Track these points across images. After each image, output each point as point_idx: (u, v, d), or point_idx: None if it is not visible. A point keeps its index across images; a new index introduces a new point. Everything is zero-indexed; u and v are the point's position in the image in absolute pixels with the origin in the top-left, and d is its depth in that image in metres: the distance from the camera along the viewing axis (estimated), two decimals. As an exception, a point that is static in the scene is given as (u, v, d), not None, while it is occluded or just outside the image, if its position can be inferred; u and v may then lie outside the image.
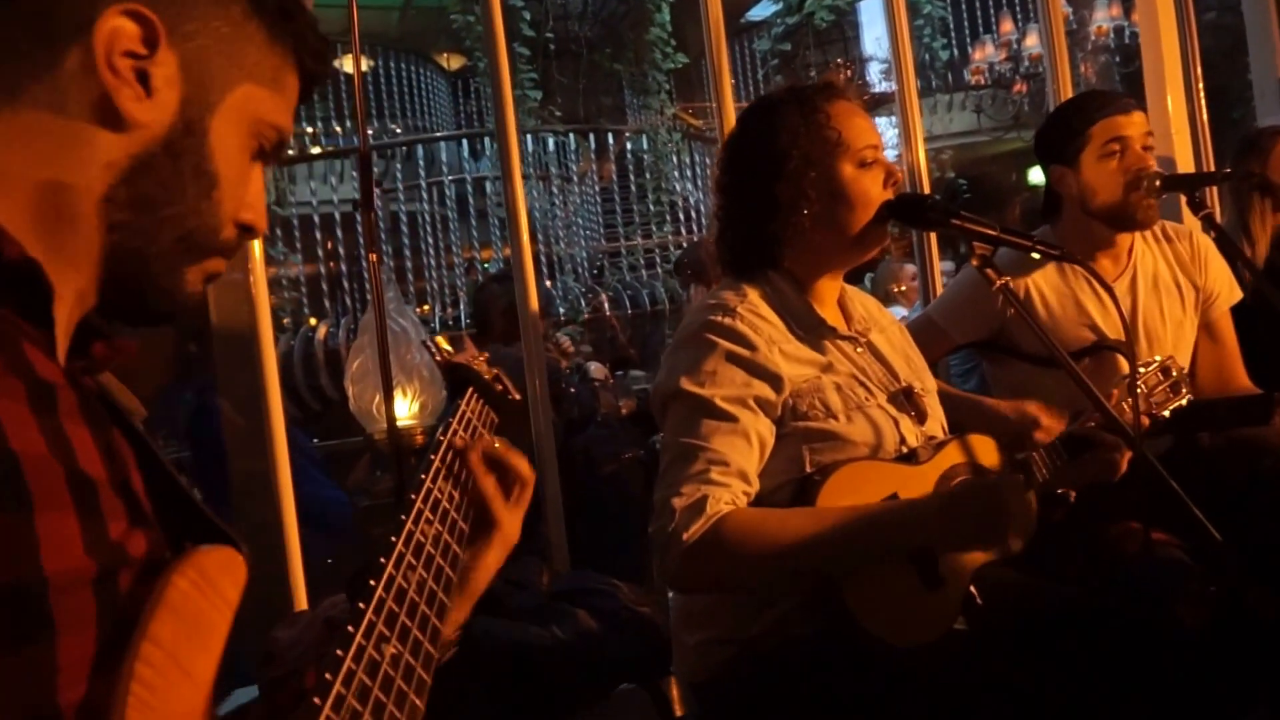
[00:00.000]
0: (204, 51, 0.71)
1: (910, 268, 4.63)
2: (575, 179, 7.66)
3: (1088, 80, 7.58)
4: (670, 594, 1.58)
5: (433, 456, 0.90)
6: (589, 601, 1.87)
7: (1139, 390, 1.67)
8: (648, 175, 7.86)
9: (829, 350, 1.50)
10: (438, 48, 10.06)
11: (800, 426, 1.43)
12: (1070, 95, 2.90)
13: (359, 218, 2.18)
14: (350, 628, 0.67)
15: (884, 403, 1.49)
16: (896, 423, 1.48)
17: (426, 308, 7.03)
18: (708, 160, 7.57)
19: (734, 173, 1.55)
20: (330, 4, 3.07)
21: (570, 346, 3.94)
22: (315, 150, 8.00)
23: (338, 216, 6.66)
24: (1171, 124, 2.96)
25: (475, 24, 7.05)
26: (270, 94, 0.76)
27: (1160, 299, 2.07)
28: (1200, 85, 3.20)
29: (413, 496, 0.84)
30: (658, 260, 7.67)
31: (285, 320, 6.30)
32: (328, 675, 0.62)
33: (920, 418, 1.53)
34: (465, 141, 7.92)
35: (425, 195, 7.41)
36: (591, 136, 7.79)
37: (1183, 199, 2.10)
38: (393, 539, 0.78)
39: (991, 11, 8.91)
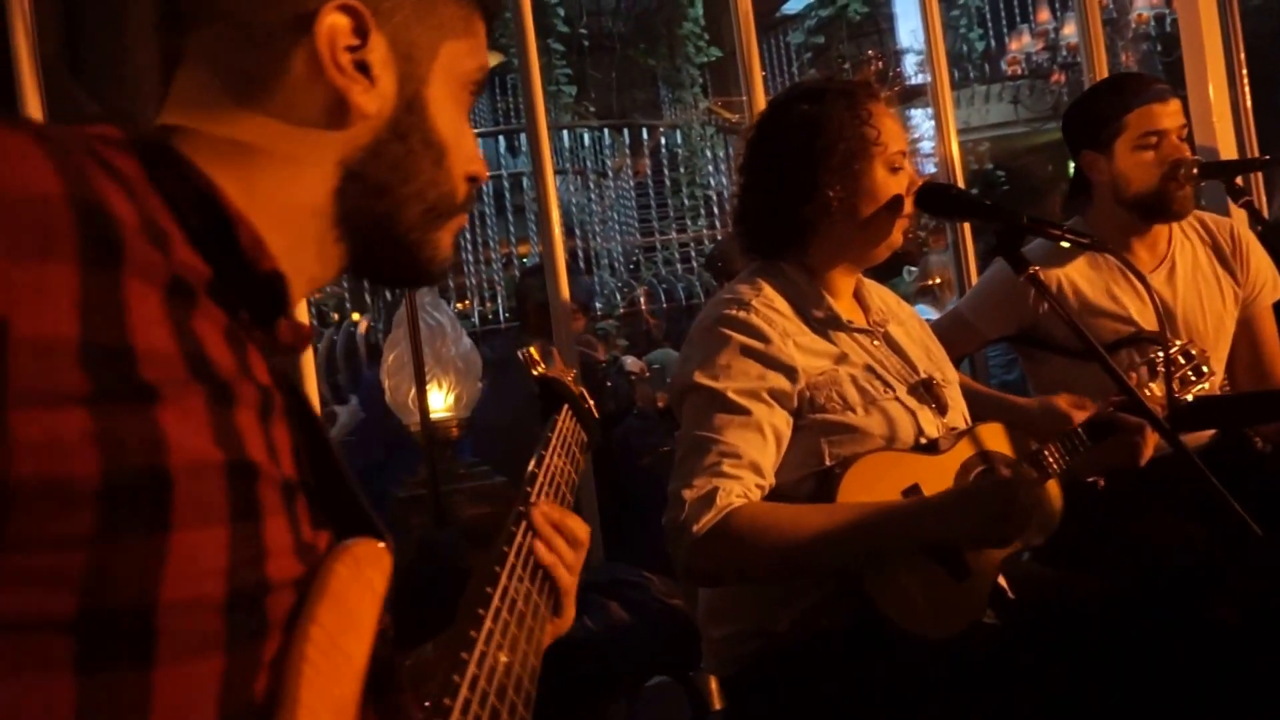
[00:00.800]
0: (405, 25, 0.71)
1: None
2: (610, 174, 7.68)
3: (1128, 69, 7.44)
4: (698, 590, 1.59)
5: (535, 470, 0.92)
6: (621, 593, 1.88)
7: (1160, 374, 1.65)
8: (682, 170, 7.86)
9: (844, 343, 1.50)
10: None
11: (818, 419, 1.43)
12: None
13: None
14: (472, 632, 0.70)
15: (903, 395, 1.49)
16: (916, 415, 1.48)
17: (466, 303, 7.08)
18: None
19: (769, 154, 1.55)
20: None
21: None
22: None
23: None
24: (1214, 111, 2.91)
25: (510, 21, 7.08)
26: (466, 40, 0.75)
27: (1200, 291, 2.03)
28: (1244, 71, 3.13)
29: (521, 509, 0.86)
30: (693, 254, 7.67)
31: (332, 315, 6.37)
32: (455, 678, 0.66)
33: (941, 409, 1.53)
34: (502, 137, 7.96)
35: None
36: (626, 131, 7.79)
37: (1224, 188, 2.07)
38: (505, 549, 0.81)
39: (1028, 1, 8.79)
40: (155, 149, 0.62)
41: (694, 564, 1.35)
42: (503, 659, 0.71)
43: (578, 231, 7.27)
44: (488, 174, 0.79)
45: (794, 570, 1.37)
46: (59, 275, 0.49)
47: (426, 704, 0.66)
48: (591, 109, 7.85)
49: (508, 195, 7.39)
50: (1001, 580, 1.50)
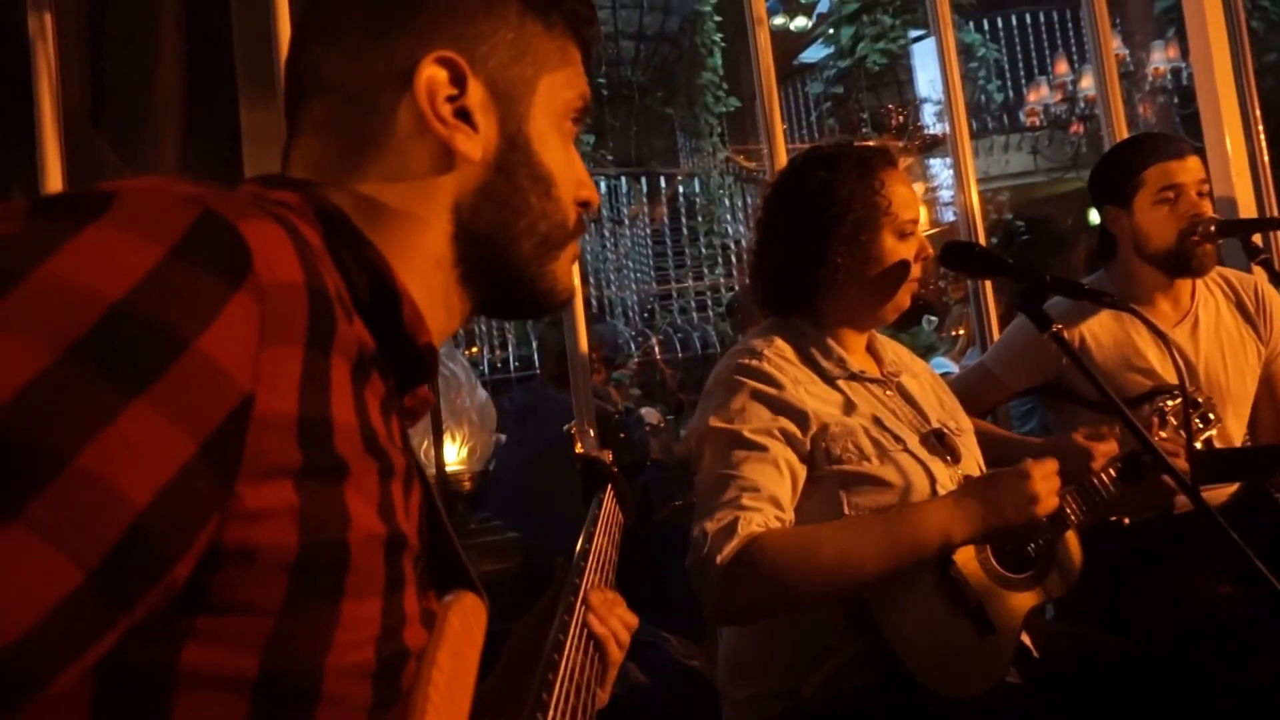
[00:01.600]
0: (501, 67, 0.72)
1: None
2: (627, 221, 7.72)
3: (1146, 121, 7.48)
4: (719, 649, 1.57)
5: (586, 547, 0.95)
6: (639, 654, 1.86)
7: (1170, 423, 1.65)
8: (699, 218, 7.91)
9: (856, 393, 1.52)
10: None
11: (835, 470, 1.44)
12: (1126, 136, 2.86)
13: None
14: (545, 695, 0.74)
15: (916, 445, 1.50)
16: (928, 466, 1.48)
17: (475, 349, 7.11)
18: (759, 202, 7.57)
19: (784, 217, 1.59)
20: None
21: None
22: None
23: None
24: (1231, 166, 2.91)
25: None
26: (563, 71, 0.76)
27: (1223, 346, 2.02)
28: (1260, 127, 3.13)
29: (578, 582, 0.89)
30: (709, 303, 7.68)
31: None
32: None
33: (955, 458, 1.53)
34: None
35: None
36: (644, 179, 7.86)
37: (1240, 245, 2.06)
38: (566, 618, 0.84)
39: (1046, 53, 8.86)
40: (335, 220, 0.65)
41: (723, 596, 1.34)
42: None
43: (593, 279, 7.30)
44: (598, 198, 0.81)
45: (822, 588, 1.36)
46: (291, 358, 0.53)
47: None
48: (610, 157, 7.92)
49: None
50: (1026, 638, 1.48)
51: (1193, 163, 1.97)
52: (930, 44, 3.01)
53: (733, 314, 4.84)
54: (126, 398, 0.46)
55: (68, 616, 0.44)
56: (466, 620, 0.65)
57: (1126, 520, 1.62)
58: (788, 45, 9.12)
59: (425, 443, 2.34)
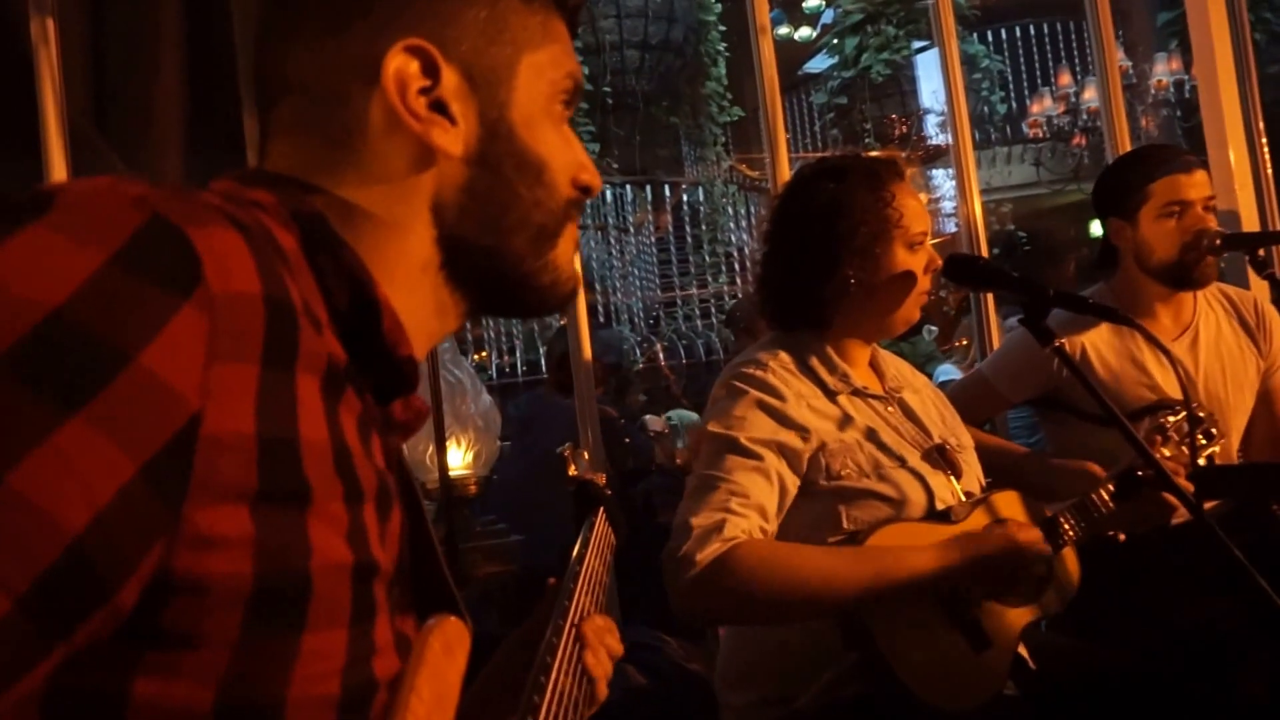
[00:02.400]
0: (476, 50, 0.67)
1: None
2: (632, 229, 7.74)
3: (1148, 134, 7.49)
4: (717, 654, 1.58)
5: (577, 569, 0.95)
6: (637, 656, 1.86)
7: (1172, 439, 1.65)
8: (703, 226, 7.92)
9: (858, 409, 1.52)
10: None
11: (835, 486, 1.44)
12: (1128, 149, 2.87)
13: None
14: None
15: (917, 461, 1.50)
16: (929, 481, 1.48)
17: (484, 354, 7.12)
18: (763, 211, 7.61)
19: (793, 229, 1.58)
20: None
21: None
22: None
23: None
24: (1235, 179, 2.91)
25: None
26: (546, 49, 0.70)
27: (1223, 360, 2.02)
28: (1264, 139, 3.14)
29: (568, 604, 0.89)
30: (712, 310, 7.69)
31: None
32: None
33: (956, 474, 1.54)
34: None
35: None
36: (648, 188, 7.88)
37: (1246, 260, 2.06)
38: (554, 640, 0.83)
39: (1050, 64, 8.88)
40: (314, 224, 0.61)
41: (693, 596, 1.34)
42: None
43: (598, 286, 7.32)
44: (600, 181, 0.75)
45: (794, 609, 1.36)
46: (245, 375, 0.50)
47: None
48: (614, 165, 7.94)
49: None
50: (1023, 651, 1.49)
51: (1200, 177, 1.98)
52: (934, 55, 3.03)
53: (732, 322, 4.85)
54: (60, 415, 0.43)
55: None
56: (449, 645, 0.62)
57: (1122, 536, 1.62)
58: (792, 55, 9.14)
59: (428, 447, 2.35)
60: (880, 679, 1.34)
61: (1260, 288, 2.15)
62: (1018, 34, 9.26)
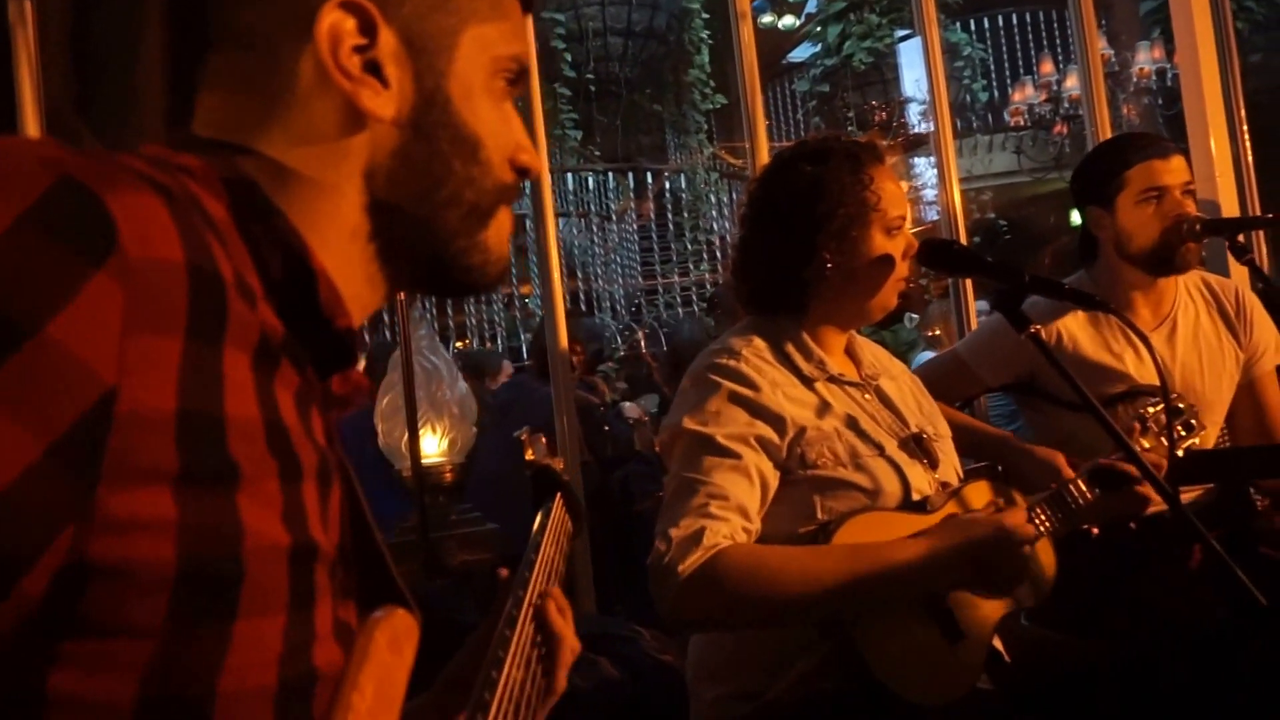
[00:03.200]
0: (418, 16, 0.65)
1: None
2: (614, 217, 7.72)
3: (1130, 122, 7.51)
4: (688, 647, 1.56)
5: (533, 558, 0.92)
6: (611, 648, 1.84)
7: (1151, 429, 1.64)
8: (685, 214, 7.91)
9: (835, 396, 1.50)
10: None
11: (810, 475, 1.41)
12: (1110, 136, 2.86)
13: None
14: (480, 716, 0.71)
15: (894, 450, 1.48)
16: (905, 470, 1.46)
17: (466, 341, 7.09)
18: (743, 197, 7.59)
19: (771, 213, 1.55)
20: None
21: (605, 388, 3.96)
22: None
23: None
24: (1215, 166, 2.91)
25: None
26: (494, 25, 0.68)
27: (1200, 352, 2.01)
28: (1244, 127, 3.14)
29: (521, 593, 0.86)
30: (694, 298, 7.69)
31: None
32: None
33: (932, 463, 1.51)
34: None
35: (465, 232, 7.49)
36: (630, 175, 7.85)
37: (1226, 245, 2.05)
38: (507, 633, 0.81)
39: (1032, 53, 8.88)
40: (244, 191, 0.59)
41: (680, 606, 1.32)
42: None
43: (580, 273, 7.29)
44: (540, 164, 0.74)
45: (781, 613, 1.34)
46: (166, 348, 0.47)
47: None
48: (597, 153, 7.91)
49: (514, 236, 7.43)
50: (997, 643, 1.47)
51: (1177, 163, 1.97)
52: (916, 43, 3.01)
53: (714, 309, 4.84)
54: None
55: None
56: (396, 639, 0.60)
57: (1095, 530, 1.61)
58: (776, 44, 9.11)
59: (404, 435, 2.33)
60: (853, 673, 1.32)
61: (1240, 274, 2.14)
62: (1000, 22, 9.25)
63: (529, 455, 1.14)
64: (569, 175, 7.40)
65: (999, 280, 1.47)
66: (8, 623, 0.44)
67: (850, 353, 1.60)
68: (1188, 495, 1.96)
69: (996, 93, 8.86)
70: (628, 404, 4.08)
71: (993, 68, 8.98)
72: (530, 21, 0.73)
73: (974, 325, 2.74)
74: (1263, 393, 2.07)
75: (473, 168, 0.67)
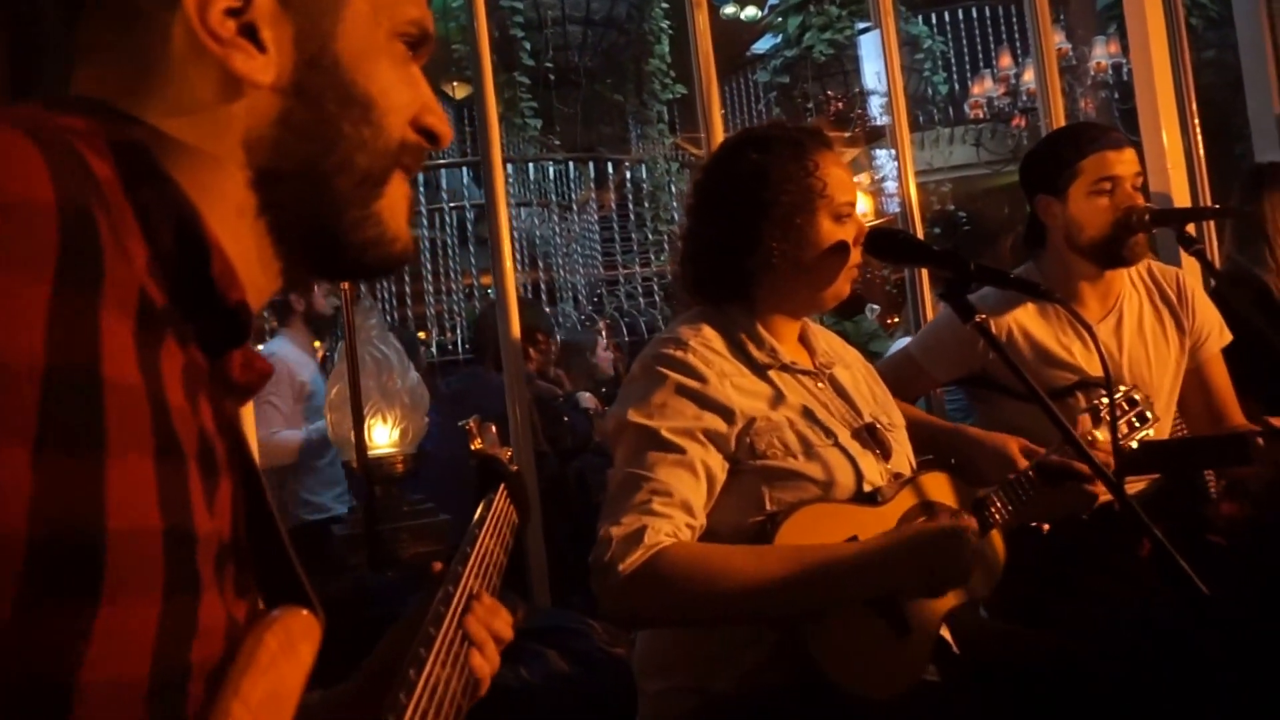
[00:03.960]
0: None
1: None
2: (575, 207, 7.68)
3: (1086, 115, 7.56)
4: (636, 640, 1.54)
5: (468, 551, 0.90)
6: (561, 641, 1.82)
7: (1105, 421, 1.65)
8: (646, 204, 7.88)
9: (787, 385, 1.48)
10: (446, 77, 10.12)
11: (759, 465, 1.40)
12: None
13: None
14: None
15: (847, 439, 1.46)
16: (858, 460, 1.45)
17: (425, 333, 7.02)
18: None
19: (715, 202, 1.54)
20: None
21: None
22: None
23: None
24: (1167, 159, 2.94)
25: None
26: None
27: (1147, 342, 2.03)
28: (1196, 121, 3.18)
29: (450, 589, 0.84)
30: (655, 288, 7.67)
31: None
32: None
33: (885, 454, 1.50)
34: (469, 168, 7.94)
35: (426, 221, 7.42)
36: (592, 165, 7.81)
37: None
38: (432, 631, 0.78)
39: (991, 46, 8.95)
40: (134, 154, 0.55)
41: (619, 604, 1.31)
42: None
43: (542, 263, 7.24)
44: (448, 129, 0.69)
45: (721, 616, 1.33)
46: (31, 293, 0.43)
47: None
48: (557, 142, 7.86)
49: (470, 226, 7.37)
50: (945, 634, 1.47)
51: (1129, 154, 1.98)
52: (876, 35, 3.01)
53: (672, 298, 4.82)
54: None
55: None
56: (291, 641, 0.56)
57: (1046, 527, 1.62)
58: (739, 36, 9.10)
59: (347, 425, 2.29)
60: (799, 666, 1.31)
61: (1190, 264, 2.16)
62: (960, 16, 9.31)
63: (475, 444, 1.11)
64: (530, 165, 7.33)
65: (945, 269, 1.46)
66: None
67: (804, 341, 1.59)
68: (1137, 485, 1.98)
69: (957, 86, 8.91)
70: (585, 394, 4.05)
71: (953, 61, 9.03)
72: None
73: (929, 316, 2.75)
74: (1210, 377, 2.09)
75: (364, 129, 0.63)
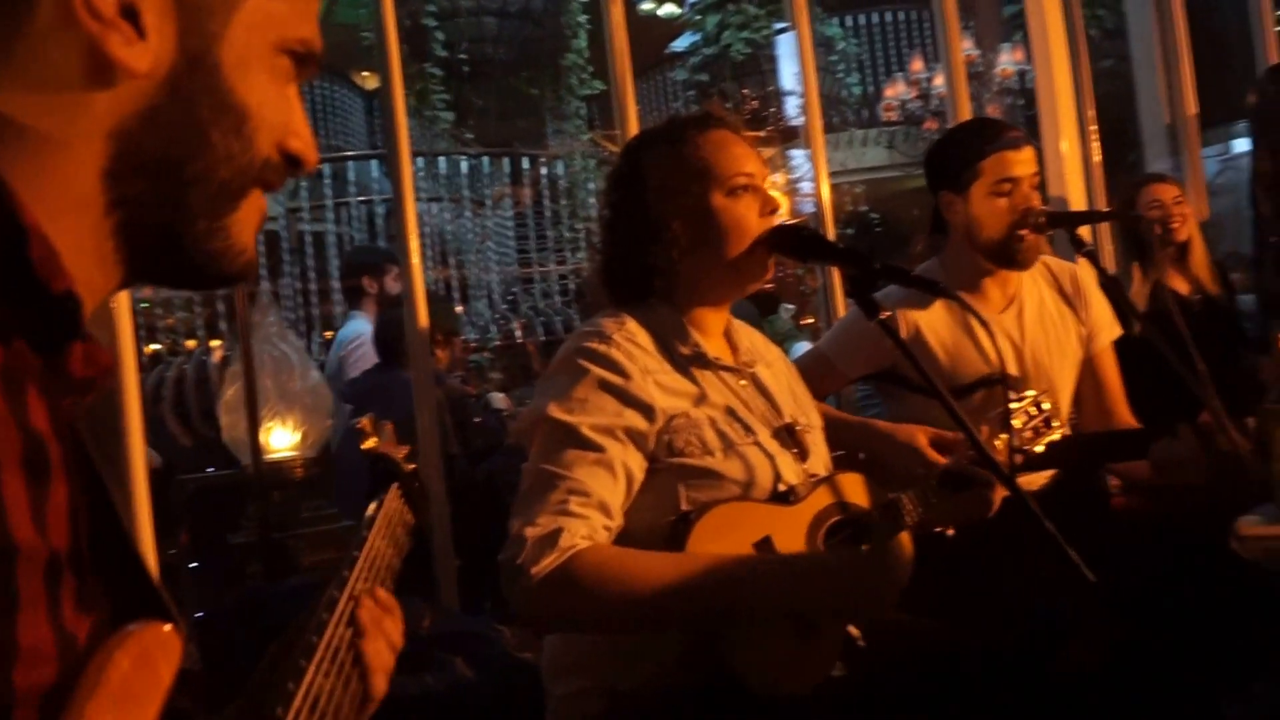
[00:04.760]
0: None
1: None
2: (489, 203, 7.58)
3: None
4: (543, 644, 1.51)
5: (356, 554, 0.86)
6: (468, 647, 1.77)
7: (1013, 424, 1.67)
8: (563, 201, 7.83)
9: (708, 382, 1.46)
10: (355, 67, 9.91)
11: (676, 463, 1.38)
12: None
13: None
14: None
15: (766, 439, 1.46)
16: (776, 460, 1.44)
17: (330, 334, 6.86)
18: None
19: (610, 205, 1.54)
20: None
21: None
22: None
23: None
24: (1065, 165, 3.02)
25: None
26: (285, 2, 0.63)
27: (1047, 331, 2.07)
28: (1093, 128, 3.28)
29: (336, 594, 0.80)
30: (571, 287, 7.63)
31: (187, 342, 6.07)
32: None
33: (802, 454, 1.50)
34: (378, 161, 7.78)
35: (332, 215, 7.25)
36: (507, 160, 7.73)
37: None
38: (315, 639, 0.75)
39: (904, 51, 9.13)
40: None
41: (531, 608, 1.28)
42: None
43: (454, 261, 7.14)
44: (315, 156, 0.67)
45: (636, 623, 1.31)
46: None
47: None
48: (470, 136, 7.75)
49: (379, 221, 7.22)
50: (852, 629, 1.47)
51: (1028, 154, 2.01)
52: (794, 36, 3.03)
53: (580, 299, 4.79)
54: None
55: None
56: (146, 657, 0.53)
57: (951, 531, 1.64)
58: (659, 34, 9.12)
59: (243, 428, 2.21)
60: (708, 666, 1.30)
61: (1082, 264, 2.22)
62: (875, 20, 9.49)
63: (367, 444, 1.07)
64: (442, 159, 7.22)
65: (848, 266, 1.46)
66: None
67: (728, 337, 1.57)
68: (1039, 480, 2.02)
69: (871, 88, 9.07)
70: (498, 395, 4.00)
71: (867, 64, 9.19)
72: (316, 7, 0.66)
73: (841, 313, 2.78)
74: (1101, 370, 2.15)
75: (233, 140, 0.60)
